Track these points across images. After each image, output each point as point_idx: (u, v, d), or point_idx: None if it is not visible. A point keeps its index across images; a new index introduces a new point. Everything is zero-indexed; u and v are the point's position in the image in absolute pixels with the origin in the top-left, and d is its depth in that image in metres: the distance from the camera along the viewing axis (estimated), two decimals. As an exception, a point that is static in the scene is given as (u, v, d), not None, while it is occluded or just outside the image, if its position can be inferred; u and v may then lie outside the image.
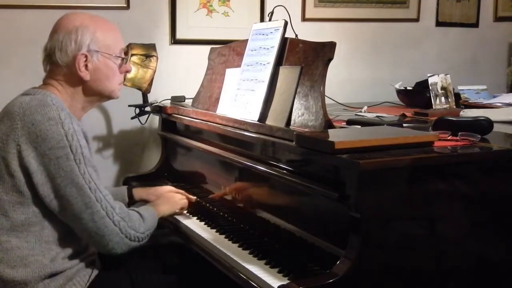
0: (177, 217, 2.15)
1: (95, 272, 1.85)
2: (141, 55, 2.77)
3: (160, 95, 2.91)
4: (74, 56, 1.77)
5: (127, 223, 1.76)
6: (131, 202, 2.19)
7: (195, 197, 2.23)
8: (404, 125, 2.04)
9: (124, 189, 2.22)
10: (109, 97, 1.90)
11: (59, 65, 1.79)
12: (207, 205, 2.25)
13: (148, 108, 2.84)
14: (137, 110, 2.86)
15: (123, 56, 1.88)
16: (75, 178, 1.67)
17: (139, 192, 2.22)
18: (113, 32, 1.86)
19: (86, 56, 1.78)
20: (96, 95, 1.86)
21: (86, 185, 1.68)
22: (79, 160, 1.68)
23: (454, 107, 2.67)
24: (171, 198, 2.16)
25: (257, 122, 1.97)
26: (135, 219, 1.81)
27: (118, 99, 1.94)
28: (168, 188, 2.25)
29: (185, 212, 2.18)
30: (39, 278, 1.71)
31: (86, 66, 1.79)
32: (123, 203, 2.12)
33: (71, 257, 1.79)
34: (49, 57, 1.80)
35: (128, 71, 1.96)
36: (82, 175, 1.68)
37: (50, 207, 1.70)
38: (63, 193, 1.68)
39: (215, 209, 2.19)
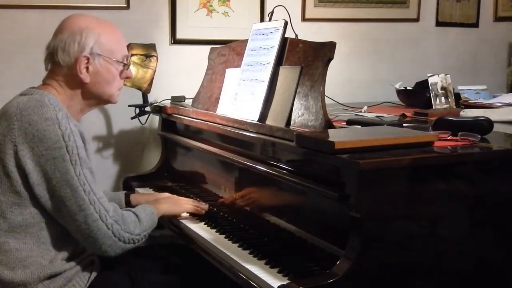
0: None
1: (95, 272, 1.85)
2: (141, 55, 2.77)
3: (160, 95, 2.92)
4: (76, 57, 1.76)
5: (120, 226, 1.74)
6: (128, 208, 2.14)
7: (207, 206, 2.16)
8: (404, 125, 2.04)
9: (121, 194, 2.20)
10: (107, 101, 1.89)
11: (60, 65, 1.78)
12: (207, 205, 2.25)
13: (148, 108, 2.85)
14: (137, 110, 2.86)
15: (125, 62, 1.87)
16: (70, 179, 1.66)
17: (137, 198, 2.20)
18: (117, 37, 1.85)
19: (88, 59, 1.77)
20: (95, 98, 1.85)
21: (80, 186, 1.67)
22: (75, 161, 1.67)
23: (454, 107, 2.67)
24: (176, 199, 2.15)
25: (257, 122, 1.97)
26: (129, 221, 1.79)
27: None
28: (166, 195, 2.23)
29: (187, 214, 2.13)
30: (39, 279, 1.71)
31: (87, 68, 1.78)
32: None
33: (70, 258, 1.78)
34: (51, 56, 1.79)
35: (128, 77, 1.94)
36: (77, 176, 1.67)
37: (46, 208, 1.70)
38: (58, 194, 1.67)
39: (215, 209, 2.19)
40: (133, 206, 2.13)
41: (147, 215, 1.87)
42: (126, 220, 1.77)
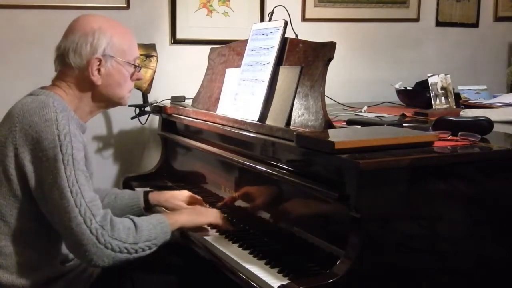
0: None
1: (95, 273, 1.85)
2: (141, 55, 2.77)
3: (160, 95, 2.92)
4: (88, 59, 1.73)
5: (107, 232, 1.60)
6: (147, 206, 2.10)
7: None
8: (404, 125, 2.04)
9: (140, 193, 2.13)
10: (117, 103, 1.86)
11: (71, 67, 1.75)
12: (207, 205, 2.24)
13: (148, 108, 2.85)
14: (137, 110, 2.87)
15: (137, 64, 1.85)
16: (59, 179, 1.59)
17: (155, 197, 2.12)
18: (129, 38, 1.83)
19: (100, 61, 1.74)
20: (105, 100, 1.82)
21: (68, 187, 1.59)
22: (67, 161, 1.61)
23: (454, 107, 2.67)
24: (203, 210, 2.01)
25: (257, 122, 1.97)
26: (121, 228, 1.64)
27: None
28: (185, 193, 2.15)
29: (212, 231, 1.95)
30: (39, 283, 1.70)
31: (98, 70, 1.75)
32: (138, 207, 2.07)
33: (70, 261, 1.77)
34: (62, 57, 1.76)
35: (139, 79, 1.91)
36: (67, 177, 1.60)
37: (43, 212, 1.66)
38: (49, 197, 1.61)
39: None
40: (152, 205, 2.10)
41: (151, 223, 1.73)
42: (116, 226, 1.64)
